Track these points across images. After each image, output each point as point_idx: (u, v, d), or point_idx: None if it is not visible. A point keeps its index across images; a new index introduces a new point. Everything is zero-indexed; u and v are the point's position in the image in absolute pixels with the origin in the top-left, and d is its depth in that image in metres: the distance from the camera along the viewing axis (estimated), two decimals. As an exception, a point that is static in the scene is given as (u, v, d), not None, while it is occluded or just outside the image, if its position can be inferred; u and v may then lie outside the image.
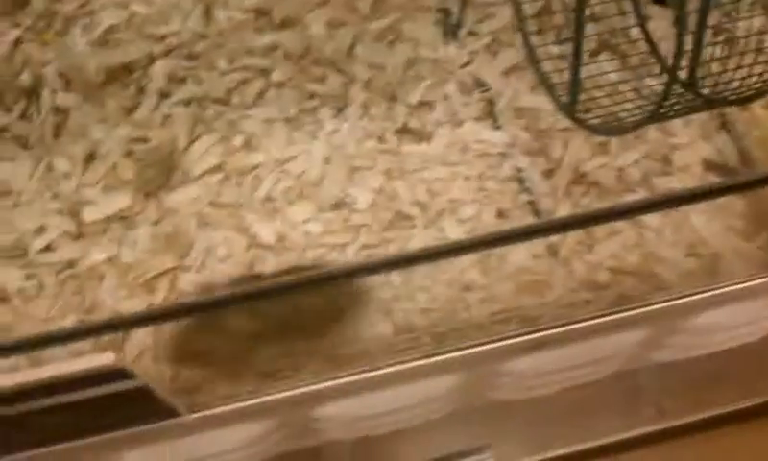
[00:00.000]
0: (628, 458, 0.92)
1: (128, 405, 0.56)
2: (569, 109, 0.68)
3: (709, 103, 0.68)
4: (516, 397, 0.71)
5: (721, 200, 0.71)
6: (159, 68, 0.76)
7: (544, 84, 0.70)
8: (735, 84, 0.66)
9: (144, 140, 0.72)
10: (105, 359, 0.46)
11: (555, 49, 0.72)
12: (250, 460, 0.67)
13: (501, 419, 0.82)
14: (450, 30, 0.77)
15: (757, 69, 0.64)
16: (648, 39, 0.72)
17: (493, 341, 0.64)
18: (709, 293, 0.66)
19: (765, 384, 0.84)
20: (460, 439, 0.87)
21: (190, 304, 0.53)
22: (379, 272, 0.64)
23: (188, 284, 0.66)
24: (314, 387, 0.62)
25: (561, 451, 0.93)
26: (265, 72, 0.76)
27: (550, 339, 0.64)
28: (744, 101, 0.68)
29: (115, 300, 0.65)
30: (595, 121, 0.66)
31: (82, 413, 0.55)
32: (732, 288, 0.67)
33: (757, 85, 0.64)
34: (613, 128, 0.65)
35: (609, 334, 0.66)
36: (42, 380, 0.49)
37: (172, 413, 0.59)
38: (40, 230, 0.68)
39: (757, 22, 0.75)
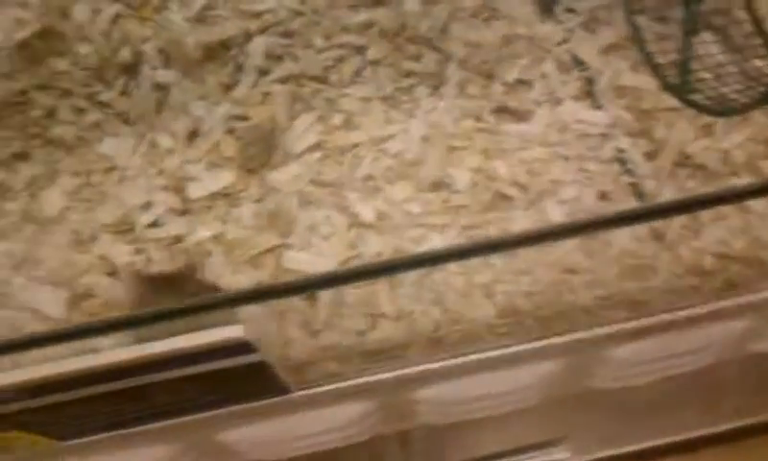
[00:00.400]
0: (706, 455, 0.91)
1: (242, 381, 0.57)
2: (678, 89, 0.66)
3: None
4: (610, 386, 0.71)
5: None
6: (257, 45, 0.76)
7: (649, 63, 0.69)
8: None
9: (244, 118, 0.73)
10: (234, 332, 0.47)
11: (657, 28, 0.71)
12: (345, 441, 0.68)
13: (578, 411, 0.82)
14: (547, 7, 0.76)
15: None
16: (754, 19, 0.70)
17: (600, 326, 0.64)
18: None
19: None
20: (535, 430, 0.87)
21: (309, 281, 0.54)
22: (484, 254, 0.64)
23: (292, 262, 0.66)
24: (416, 369, 0.63)
25: (636, 447, 0.94)
26: (361, 50, 0.76)
27: (657, 326, 0.64)
28: None
29: (222, 275, 0.66)
30: (705, 102, 0.65)
31: (197, 387, 0.56)
32: None
33: None
34: (725, 109, 0.64)
35: (714, 322, 0.66)
36: (167, 353, 0.50)
37: (283, 390, 0.60)
38: (147, 205, 0.69)
39: None
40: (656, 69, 0.68)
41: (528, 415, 0.73)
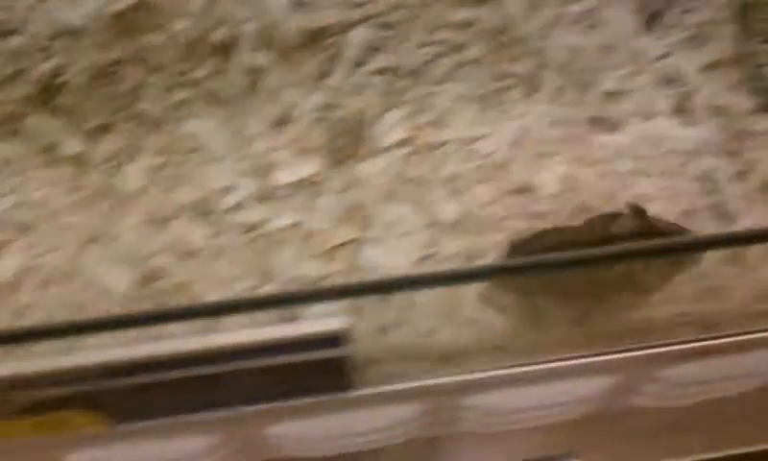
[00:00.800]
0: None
1: (315, 375, 0.61)
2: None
3: None
4: (653, 405, 0.74)
5: None
6: (355, 35, 0.82)
7: (758, 84, 0.72)
8: None
9: (336, 108, 0.79)
10: (334, 324, 0.52)
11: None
12: (385, 442, 0.72)
13: (588, 428, 0.85)
14: (651, 19, 0.79)
15: None
16: None
17: (668, 344, 0.68)
18: None
19: None
20: (546, 445, 0.90)
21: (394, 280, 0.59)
22: (563, 269, 0.69)
23: (367, 257, 0.72)
24: (479, 375, 0.67)
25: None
26: (459, 47, 0.80)
27: (723, 347, 0.68)
28: None
29: (295, 266, 0.72)
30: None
31: (270, 378, 0.60)
32: None
33: None
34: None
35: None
36: (258, 341, 0.55)
37: (347, 387, 0.64)
38: (228, 189, 0.75)
39: None
40: (762, 89, 0.72)
41: (536, 428, 0.76)
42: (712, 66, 0.77)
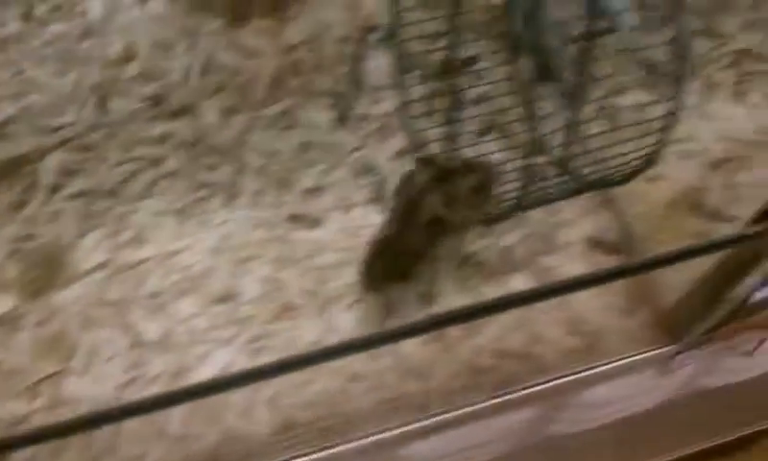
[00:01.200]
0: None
1: None
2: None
3: (590, 185, 0.77)
4: None
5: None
6: (51, 162, 0.82)
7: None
8: (614, 163, 0.75)
9: (31, 238, 0.79)
10: None
11: (438, 131, 0.80)
12: None
13: None
14: (343, 114, 0.84)
15: (630, 147, 0.73)
16: (530, 119, 0.80)
17: (384, 430, 0.71)
18: (588, 372, 0.73)
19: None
20: None
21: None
22: (238, 386, 0.71)
23: (72, 389, 0.72)
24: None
25: None
26: (157, 162, 0.83)
27: (436, 426, 0.72)
28: (621, 182, 0.77)
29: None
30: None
31: None
32: (614, 365, 0.75)
33: (635, 163, 0.73)
34: (491, 218, 0.73)
35: (494, 416, 0.74)
36: None
37: None
38: None
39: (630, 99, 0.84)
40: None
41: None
42: (400, 153, 0.82)
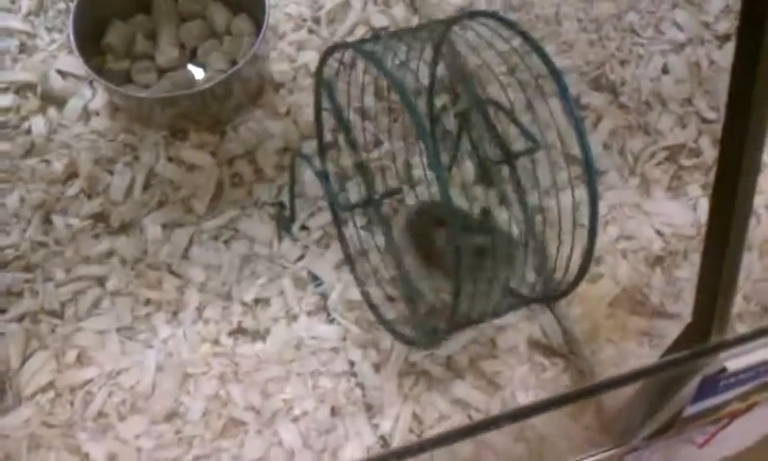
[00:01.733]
0: None
1: None
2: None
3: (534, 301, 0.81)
4: None
5: (548, 381, 0.83)
6: (-5, 283, 0.87)
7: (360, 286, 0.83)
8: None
9: (-25, 364, 0.82)
10: None
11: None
12: None
13: None
14: (284, 225, 0.89)
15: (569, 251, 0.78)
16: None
17: None
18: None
19: None
20: None
21: None
22: None
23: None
24: None
25: None
26: (101, 280, 0.87)
27: None
28: (566, 292, 0.81)
29: None
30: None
31: None
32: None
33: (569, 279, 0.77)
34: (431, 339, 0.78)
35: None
36: None
37: None
38: None
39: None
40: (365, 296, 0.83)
41: None
42: (342, 263, 0.87)
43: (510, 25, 0.68)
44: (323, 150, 0.83)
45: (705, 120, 0.96)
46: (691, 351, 0.63)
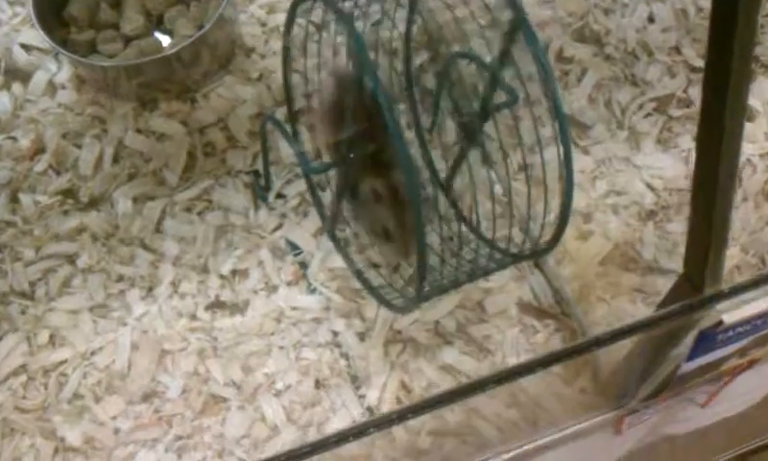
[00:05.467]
0: None
1: None
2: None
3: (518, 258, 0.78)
4: None
5: (539, 345, 0.81)
6: (-38, 266, 0.84)
7: (341, 252, 0.81)
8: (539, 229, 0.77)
9: (-57, 350, 0.80)
10: None
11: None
12: None
13: None
14: (260, 194, 0.86)
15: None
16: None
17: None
18: (533, 444, 0.75)
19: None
20: None
21: None
22: None
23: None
24: None
25: None
26: (71, 258, 0.84)
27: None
28: (548, 249, 0.79)
29: None
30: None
31: None
32: (560, 435, 0.77)
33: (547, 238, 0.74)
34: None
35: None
36: None
37: None
38: None
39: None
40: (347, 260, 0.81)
41: None
42: (321, 230, 0.84)
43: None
44: (292, 113, 0.80)
45: (694, 69, 0.94)
46: (684, 304, 0.61)
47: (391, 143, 0.60)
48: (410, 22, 0.83)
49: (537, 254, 0.75)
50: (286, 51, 0.73)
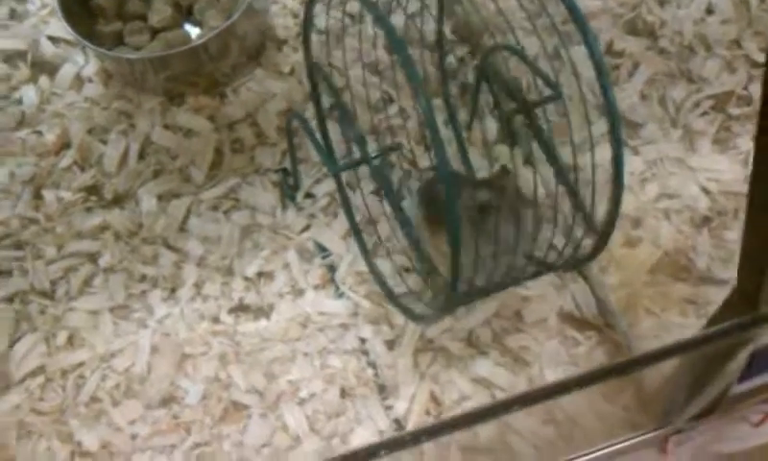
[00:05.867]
0: None
1: None
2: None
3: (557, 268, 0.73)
4: None
5: (580, 357, 0.76)
6: (-16, 263, 0.82)
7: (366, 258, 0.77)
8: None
9: (-40, 348, 0.78)
10: None
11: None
12: None
13: None
14: (288, 193, 0.83)
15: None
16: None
17: None
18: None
19: None
20: None
21: None
22: None
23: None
24: None
25: None
26: (93, 256, 0.82)
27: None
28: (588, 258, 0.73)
29: None
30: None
31: None
32: (599, 454, 0.72)
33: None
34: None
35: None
36: None
37: None
38: None
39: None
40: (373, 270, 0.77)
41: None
42: (350, 233, 0.81)
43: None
44: (319, 109, 0.76)
45: (755, 64, 0.87)
46: (736, 322, 0.55)
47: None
48: (441, 12, 0.78)
49: (576, 265, 0.70)
50: (306, 45, 0.70)
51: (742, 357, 0.59)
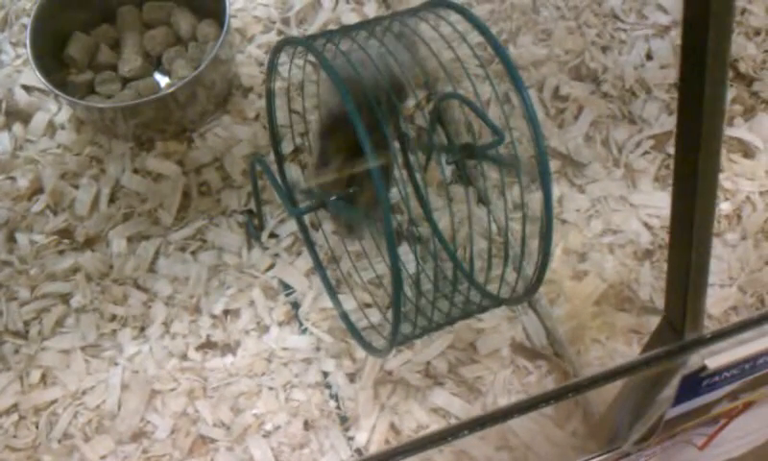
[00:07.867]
0: None
1: None
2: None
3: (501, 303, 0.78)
4: None
5: (531, 386, 0.80)
6: (-42, 305, 0.85)
7: (331, 296, 0.81)
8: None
9: (-65, 389, 0.81)
10: None
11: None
12: None
13: None
14: (253, 233, 0.87)
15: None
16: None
17: None
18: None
19: None
20: None
21: None
22: None
23: None
24: None
25: None
26: (65, 297, 0.86)
27: None
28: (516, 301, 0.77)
29: None
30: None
31: None
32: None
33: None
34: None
35: None
36: None
37: None
38: None
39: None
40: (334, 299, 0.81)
41: None
42: (313, 270, 0.85)
43: (463, 13, 0.66)
44: (278, 154, 0.81)
45: (692, 106, 0.93)
46: (663, 349, 0.61)
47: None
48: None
49: (518, 300, 0.75)
50: (269, 94, 0.74)
51: (674, 383, 0.64)
